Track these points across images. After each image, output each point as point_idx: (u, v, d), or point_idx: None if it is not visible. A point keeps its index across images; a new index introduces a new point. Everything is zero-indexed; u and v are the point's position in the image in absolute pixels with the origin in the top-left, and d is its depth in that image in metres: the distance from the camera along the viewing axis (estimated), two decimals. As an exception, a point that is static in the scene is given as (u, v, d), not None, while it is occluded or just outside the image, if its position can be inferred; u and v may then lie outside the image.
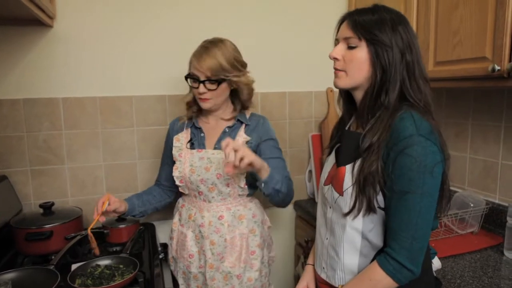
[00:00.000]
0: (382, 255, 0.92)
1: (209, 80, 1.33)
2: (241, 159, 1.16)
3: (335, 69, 1.00)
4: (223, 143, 1.19)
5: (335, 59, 0.99)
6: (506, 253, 1.33)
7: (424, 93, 0.94)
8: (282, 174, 1.38)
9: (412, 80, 0.93)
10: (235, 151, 1.17)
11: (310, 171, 2.05)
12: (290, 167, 2.02)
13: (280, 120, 1.99)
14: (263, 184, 1.29)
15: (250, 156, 1.18)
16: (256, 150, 1.42)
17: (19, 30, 1.56)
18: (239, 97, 1.43)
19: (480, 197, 1.57)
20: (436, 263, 1.17)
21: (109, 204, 1.33)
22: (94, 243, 1.32)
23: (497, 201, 1.57)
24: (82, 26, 1.64)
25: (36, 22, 1.48)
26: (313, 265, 1.19)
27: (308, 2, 1.95)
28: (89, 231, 1.31)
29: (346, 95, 1.07)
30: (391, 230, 0.91)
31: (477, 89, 1.63)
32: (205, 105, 1.38)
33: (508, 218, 1.31)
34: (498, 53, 1.17)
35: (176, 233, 1.51)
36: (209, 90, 1.34)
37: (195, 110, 1.47)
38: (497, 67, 1.16)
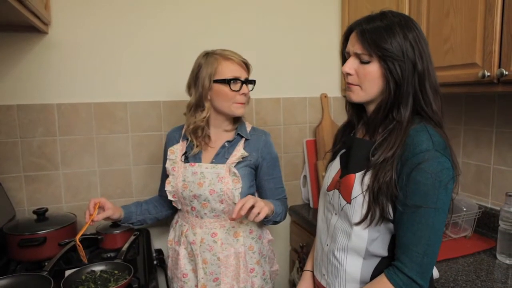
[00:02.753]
0: (391, 268, 0.90)
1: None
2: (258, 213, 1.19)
3: (349, 83, 0.98)
4: (241, 202, 1.18)
5: (348, 74, 0.97)
6: (498, 256, 1.35)
7: (434, 105, 0.92)
8: (283, 205, 1.42)
9: (424, 93, 0.91)
10: (252, 207, 1.19)
11: (305, 177, 2.06)
12: (285, 172, 2.03)
13: (274, 126, 2.00)
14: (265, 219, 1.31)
15: (264, 211, 1.20)
16: (253, 166, 1.39)
17: (14, 36, 1.56)
18: None
19: (472, 201, 1.59)
20: (434, 273, 1.18)
21: (103, 210, 1.31)
22: (82, 252, 1.23)
23: (489, 205, 1.58)
24: (76, 33, 1.65)
25: (31, 28, 1.48)
26: (311, 271, 1.17)
27: (302, 9, 1.98)
28: (77, 240, 1.22)
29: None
30: (401, 244, 0.89)
31: (468, 94, 1.66)
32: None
33: (500, 222, 1.33)
34: (487, 59, 1.20)
35: (171, 251, 1.46)
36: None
37: (201, 134, 1.37)
38: (487, 73, 1.19)
